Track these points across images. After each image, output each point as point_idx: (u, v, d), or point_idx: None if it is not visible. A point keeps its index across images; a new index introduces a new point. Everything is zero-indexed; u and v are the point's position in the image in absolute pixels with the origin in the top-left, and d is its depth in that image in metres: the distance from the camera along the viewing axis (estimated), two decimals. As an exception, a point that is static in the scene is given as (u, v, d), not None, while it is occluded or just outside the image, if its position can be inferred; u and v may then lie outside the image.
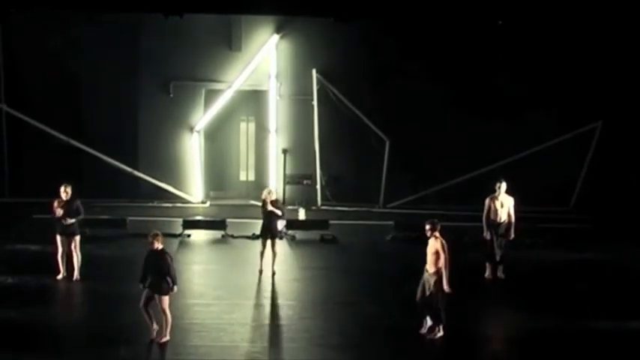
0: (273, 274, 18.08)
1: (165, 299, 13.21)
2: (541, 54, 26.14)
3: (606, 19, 24.54)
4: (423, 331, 13.88)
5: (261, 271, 18.10)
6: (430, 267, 13.66)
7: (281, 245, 21.43)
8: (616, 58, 25.96)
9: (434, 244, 13.62)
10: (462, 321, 14.52)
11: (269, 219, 18.08)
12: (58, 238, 17.09)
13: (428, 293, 13.64)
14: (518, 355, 13.71)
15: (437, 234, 13.72)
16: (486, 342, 14.15)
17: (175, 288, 13.41)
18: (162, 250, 13.34)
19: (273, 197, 18.24)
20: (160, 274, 13.18)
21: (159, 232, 13.51)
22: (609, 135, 26.35)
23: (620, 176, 25.91)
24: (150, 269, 13.30)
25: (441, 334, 13.66)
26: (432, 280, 13.60)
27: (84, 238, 20.87)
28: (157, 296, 13.19)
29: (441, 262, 13.53)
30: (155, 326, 13.42)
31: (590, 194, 26.25)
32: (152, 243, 13.28)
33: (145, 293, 13.31)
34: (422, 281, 13.79)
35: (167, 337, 13.24)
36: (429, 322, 13.88)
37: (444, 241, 13.62)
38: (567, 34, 25.63)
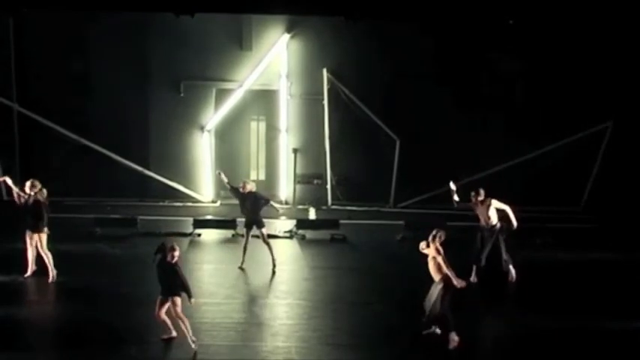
0: (273, 269, 18.27)
1: (179, 301, 13.12)
2: (552, 53, 26.08)
3: (616, 18, 24.46)
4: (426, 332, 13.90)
5: (241, 268, 18.38)
6: (435, 276, 13.57)
7: (291, 245, 21.54)
8: (627, 58, 25.88)
9: (429, 253, 13.55)
10: (470, 320, 14.52)
11: (250, 209, 18.36)
12: (27, 234, 17.08)
13: (432, 301, 13.58)
14: (527, 355, 13.69)
15: (431, 243, 13.59)
16: (494, 341, 14.13)
17: (192, 301, 13.33)
18: (175, 263, 13.21)
19: (247, 189, 18.45)
20: (174, 284, 13.14)
21: (176, 247, 13.39)
22: (620, 135, 26.28)
23: (631, 177, 25.81)
24: (161, 278, 13.22)
25: (456, 339, 13.44)
26: (438, 288, 13.50)
27: (94, 237, 21.17)
28: (170, 299, 13.14)
29: (444, 268, 13.45)
30: (174, 333, 13.42)
31: (601, 194, 26.18)
32: (168, 254, 13.13)
33: (158, 300, 13.29)
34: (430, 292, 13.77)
35: (194, 338, 13.17)
36: (437, 330, 13.88)
37: (438, 247, 13.55)
38: (578, 33, 25.55)
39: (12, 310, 15.00)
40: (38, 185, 17.04)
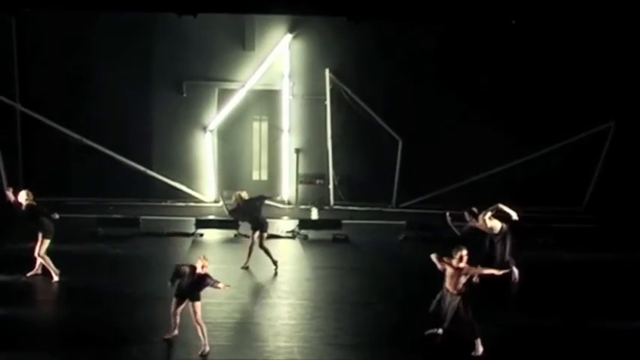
0: (275, 270, 18.33)
1: (199, 306, 13.07)
2: (555, 53, 26.07)
3: (619, 19, 24.43)
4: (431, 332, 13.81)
5: (245, 268, 18.45)
6: (452, 289, 13.31)
7: (293, 245, 21.55)
8: (629, 58, 25.86)
9: (462, 270, 13.24)
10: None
11: (251, 214, 18.47)
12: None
13: (450, 311, 13.42)
14: (528, 355, 13.69)
15: (464, 261, 13.30)
16: (497, 342, 14.09)
17: (222, 285, 13.25)
18: (206, 274, 13.07)
19: (241, 199, 18.58)
20: (197, 289, 13.09)
21: (204, 257, 13.29)
22: (622, 135, 26.25)
23: (633, 177, 25.78)
24: (182, 284, 13.14)
25: (481, 349, 13.33)
26: (455, 302, 13.34)
27: (97, 237, 21.19)
28: (190, 305, 13.06)
29: (481, 272, 13.36)
30: (176, 332, 13.38)
31: (603, 194, 26.16)
32: (197, 266, 13.04)
33: (174, 301, 13.24)
34: (440, 296, 13.66)
35: (208, 348, 13.11)
36: (439, 331, 13.77)
37: (468, 266, 13.33)
38: (580, 33, 25.53)
39: (14, 310, 15.02)
40: (30, 195, 17.08)
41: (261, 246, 18.46)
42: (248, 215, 18.72)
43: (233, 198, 18.74)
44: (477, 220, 17.44)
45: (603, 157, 26.57)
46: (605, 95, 26.11)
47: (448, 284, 13.40)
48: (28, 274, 17.16)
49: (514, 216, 17.19)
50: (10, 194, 17.59)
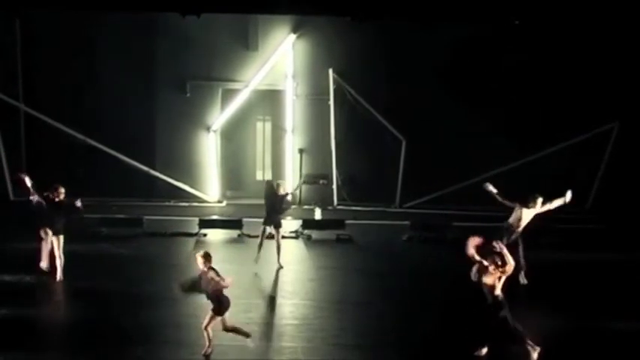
0: (280, 268, 18.30)
1: (226, 318, 12.90)
2: (558, 53, 26.07)
3: (622, 19, 24.42)
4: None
5: (255, 262, 18.52)
6: (492, 292, 12.76)
7: (297, 245, 21.54)
8: (633, 59, 25.84)
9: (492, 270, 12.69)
10: (474, 320, 14.48)
11: (273, 207, 18.40)
12: (44, 231, 17.11)
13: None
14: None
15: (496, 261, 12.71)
16: (500, 342, 14.10)
17: (223, 283, 12.95)
18: (204, 271, 12.70)
19: (281, 191, 18.53)
20: (214, 294, 12.85)
21: (204, 254, 12.84)
22: (626, 135, 26.24)
23: (637, 177, 25.76)
24: (207, 289, 12.92)
25: (484, 349, 13.21)
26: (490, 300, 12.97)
27: (100, 237, 21.20)
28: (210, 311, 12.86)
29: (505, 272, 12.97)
30: (210, 349, 13.05)
31: (607, 195, 26.14)
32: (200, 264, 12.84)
33: (209, 315, 13.04)
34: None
35: (210, 349, 12.97)
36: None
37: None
38: (583, 33, 25.53)
39: (17, 311, 15.01)
40: (63, 190, 17.12)
41: (277, 242, 18.54)
42: (274, 208, 18.60)
43: (277, 185, 18.82)
44: (534, 204, 17.39)
45: (607, 158, 26.57)
46: (608, 95, 26.11)
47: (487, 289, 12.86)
48: (44, 267, 17.12)
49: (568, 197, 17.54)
50: (26, 178, 17.50)
